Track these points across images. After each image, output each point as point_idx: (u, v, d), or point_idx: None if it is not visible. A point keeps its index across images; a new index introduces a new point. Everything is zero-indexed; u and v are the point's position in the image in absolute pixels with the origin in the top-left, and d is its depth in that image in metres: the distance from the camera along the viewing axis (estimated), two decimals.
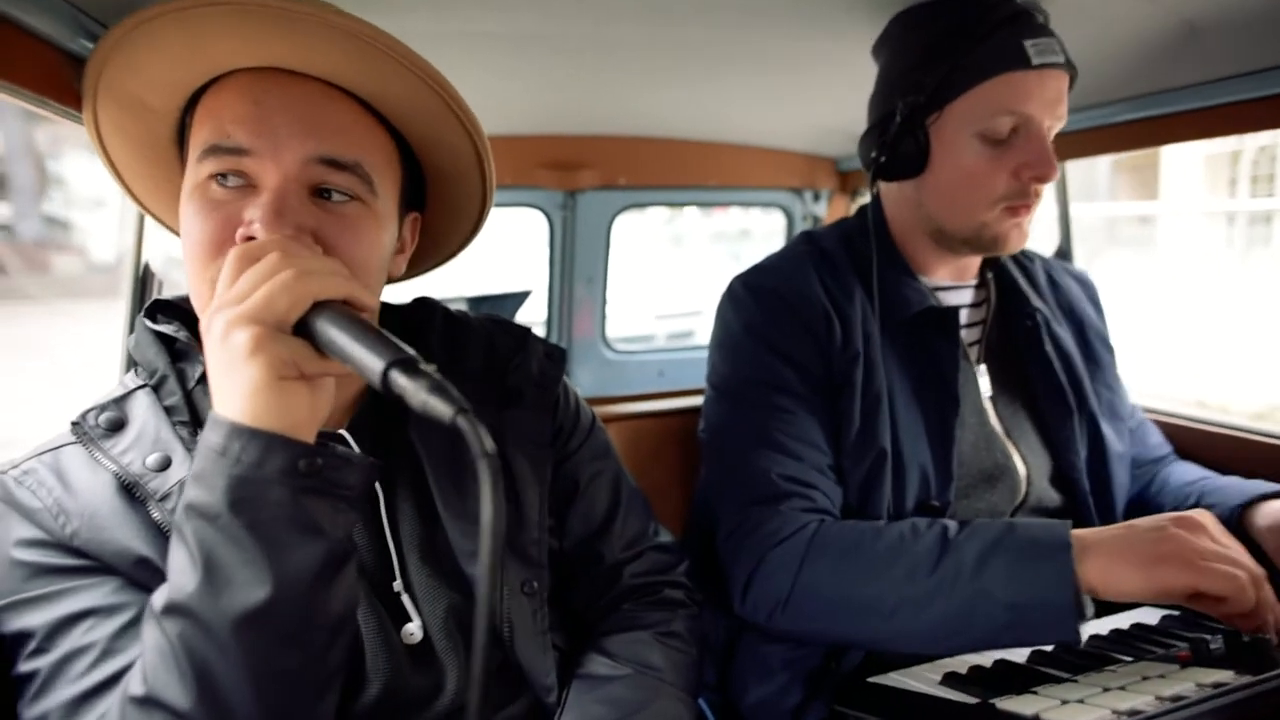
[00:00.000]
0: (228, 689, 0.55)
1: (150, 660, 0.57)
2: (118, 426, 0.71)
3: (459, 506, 0.78)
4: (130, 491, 0.68)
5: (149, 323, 0.78)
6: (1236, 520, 1.03)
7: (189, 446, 0.71)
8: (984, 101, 0.97)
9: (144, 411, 0.73)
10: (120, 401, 0.73)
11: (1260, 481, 1.09)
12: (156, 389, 0.75)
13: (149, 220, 1.08)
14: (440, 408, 0.48)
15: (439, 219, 0.86)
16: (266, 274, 0.57)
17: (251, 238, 0.64)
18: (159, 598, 0.58)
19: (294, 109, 0.67)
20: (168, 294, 0.85)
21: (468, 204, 0.85)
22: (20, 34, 0.72)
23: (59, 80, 0.77)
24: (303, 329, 0.57)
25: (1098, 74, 1.16)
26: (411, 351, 0.52)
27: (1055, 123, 0.99)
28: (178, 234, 0.84)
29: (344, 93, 0.70)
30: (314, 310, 0.57)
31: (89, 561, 0.66)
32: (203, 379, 0.77)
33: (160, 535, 0.67)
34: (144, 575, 0.66)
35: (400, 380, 0.50)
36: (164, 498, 0.67)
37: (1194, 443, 1.33)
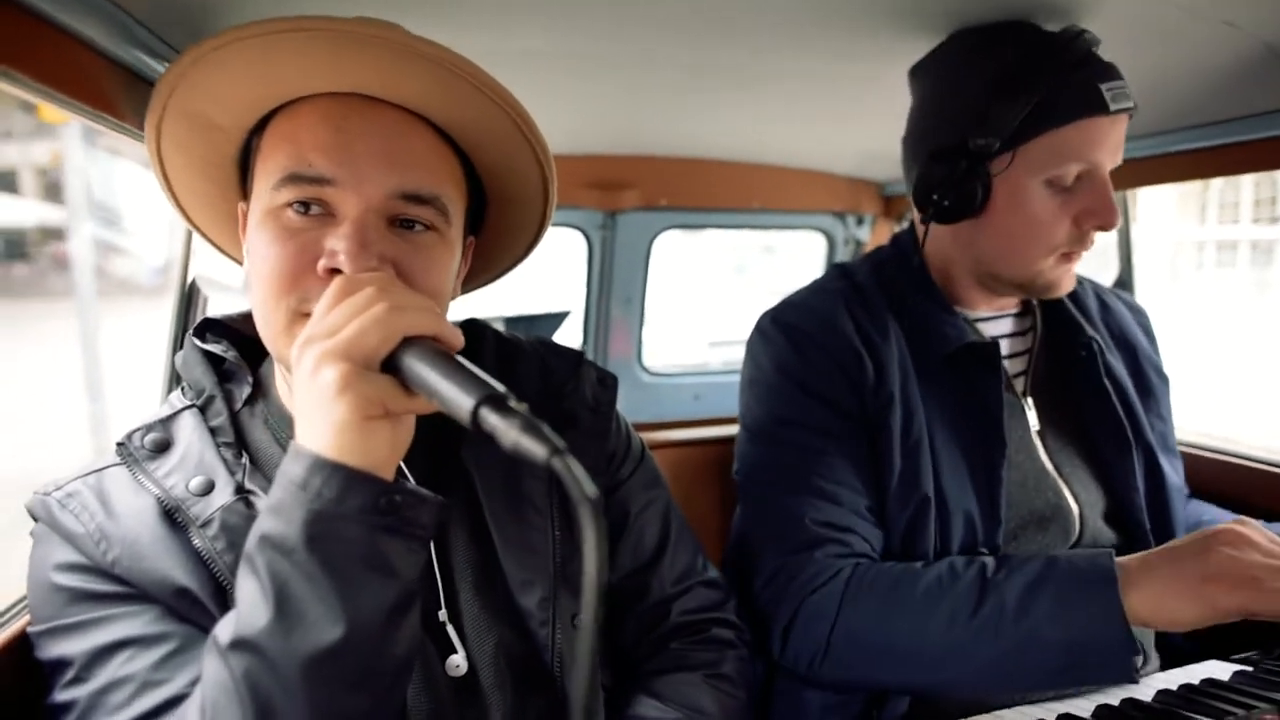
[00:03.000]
0: None
1: (211, 696, 0.55)
2: (163, 448, 0.71)
3: (515, 535, 0.77)
4: (172, 517, 0.67)
5: (198, 342, 0.78)
6: None
7: (232, 470, 0.70)
8: (1058, 147, 0.92)
9: (189, 433, 0.72)
10: (166, 422, 0.73)
11: None
12: (203, 409, 0.74)
13: (196, 238, 1.09)
14: (534, 448, 0.47)
15: (493, 241, 0.86)
16: (360, 308, 0.56)
17: (334, 269, 0.63)
18: (224, 630, 0.56)
19: (377, 138, 0.67)
20: (212, 312, 0.85)
21: (525, 227, 0.84)
22: (84, 50, 0.73)
23: (118, 96, 0.77)
24: (391, 365, 0.56)
25: (1169, 100, 1.13)
26: (502, 388, 0.51)
27: (1114, 165, 0.96)
28: (228, 254, 0.84)
29: (422, 120, 0.70)
30: (403, 346, 0.56)
31: (129, 589, 0.65)
32: (250, 400, 0.76)
33: (200, 564, 0.66)
34: (184, 606, 0.65)
35: (491, 418, 0.49)
36: (205, 524, 0.66)
37: (1215, 476, 1.27)
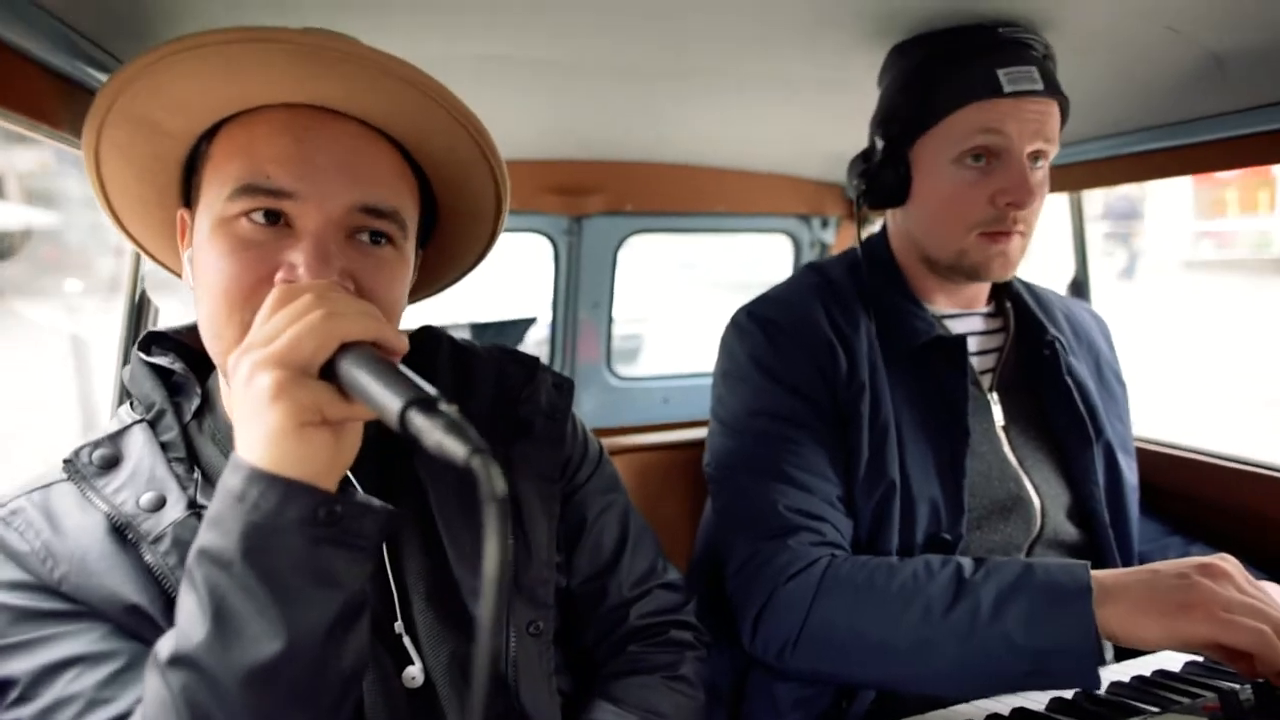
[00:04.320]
0: None
1: (151, 713, 0.54)
2: (111, 464, 0.69)
3: (467, 545, 0.76)
4: (122, 533, 0.65)
5: (144, 356, 0.76)
6: None
7: (184, 485, 0.68)
8: (957, 129, 0.98)
9: (139, 448, 0.71)
10: (115, 438, 0.71)
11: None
12: (153, 424, 0.73)
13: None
14: (455, 448, 0.46)
15: (443, 253, 0.85)
16: (296, 316, 0.55)
17: (291, 283, 0.62)
18: (164, 646, 0.55)
19: (338, 152, 0.66)
20: (162, 324, 0.84)
21: (476, 241, 0.84)
22: (15, 56, 0.71)
23: (51, 103, 0.76)
24: (329, 372, 0.55)
25: (1117, 103, 1.15)
26: (433, 391, 0.50)
27: (1045, 147, 0.99)
28: (162, 263, 0.82)
29: (380, 134, 0.69)
30: (340, 352, 0.55)
31: (76, 606, 0.64)
32: (198, 414, 0.75)
33: (152, 580, 0.65)
34: (133, 622, 0.64)
35: (417, 420, 0.48)
36: (156, 539, 0.65)
37: (1167, 470, 1.30)
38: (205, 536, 0.55)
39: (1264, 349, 6.49)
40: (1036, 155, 0.98)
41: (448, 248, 0.84)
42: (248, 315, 0.63)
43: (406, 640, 0.73)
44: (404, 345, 0.58)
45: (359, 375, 0.53)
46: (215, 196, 0.66)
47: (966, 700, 0.90)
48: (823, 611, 0.91)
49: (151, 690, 0.55)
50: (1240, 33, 0.95)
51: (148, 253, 0.82)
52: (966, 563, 0.89)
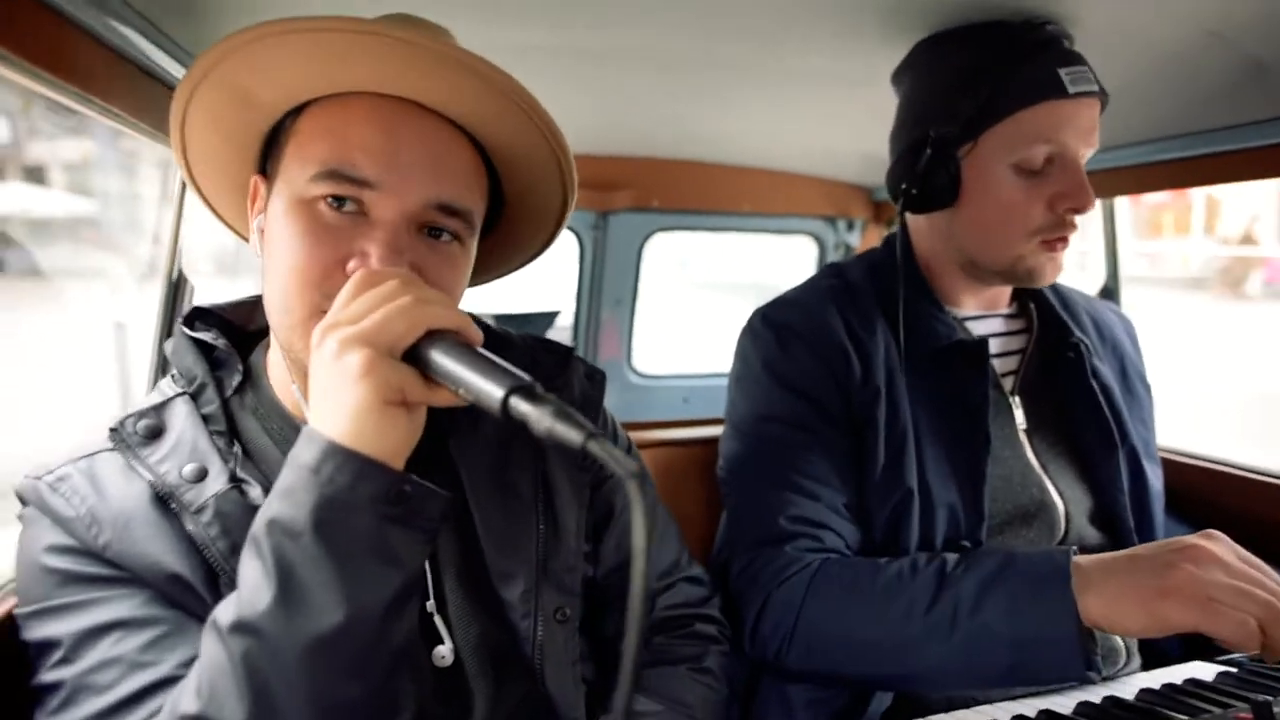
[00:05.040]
0: (287, 714, 0.54)
1: (208, 677, 0.55)
2: (155, 434, 0.70)
3: (499, 528, 0.77)
4: (165, 503, 0.66)
5: (187, 330, 0.77)
6: None
7: (225, 457, 0.69)
8: (1020, 131, 0.95)
9: (181, 420, 0.72)
10: (159, 409, 0.72)
11: None
12: (194, 397, 0.74)
13: (184, 227, 1.09)
14: (568, 434, 0.48)
15: (502, 246, 0.86)
16: (384, 299, 0.57)
17: None
18: (225, 612, 0.56)
19: (423, 147, 0.67)
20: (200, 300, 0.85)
21: (534, 239, 0.85)
22: (97, 46, 0.74)
23: (126, 91, 0.78)
24: (413, 357, 0.57)
25: (1154, 108, 1.14)
26: (529, 378, 0.52)
27: (1089, 151, 0.97)
28: (228, 223, 0.84)
29: (462, 133, 0.70)
30: (426, 339, 0.57)
31: (119, 572, 0.65)
32: (240, 389, 0.76)
33: (193, 549, 0.66)
34: (174, 590, 0.65)
35: (522, 406, 0.50)
36: (198, 510, 0.66)
37: (1192, 482, 1.28)
38: (276, 506, 0.56)
39: (1184, 355, 6.87)
40: (1084, 158, 0.97)
41: (508, 242, 0.85)
42: (317, 296, 0.65)
43: (438, 620, 0.74)
44: (480, 336, 0.59)
45: (450, 362, 0.55)
46: (297, 174, 0.67)
47: (990, 700, 0.90)
48: (811, 612, 0.91)
49: (209, 654, 0.55)
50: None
51: (215, 211, 0.83)
52: (951, 557, 0.89)
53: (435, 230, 0.69)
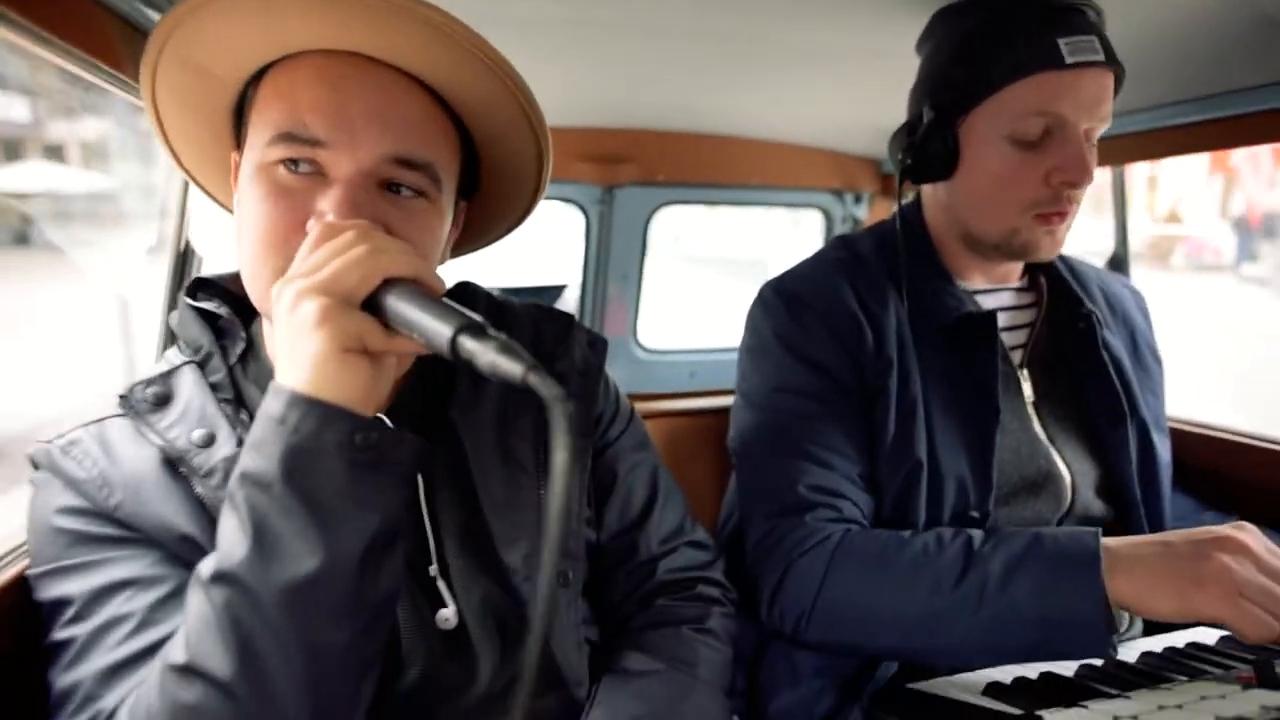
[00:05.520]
0: (271, 661, 0.55)
1: (193, 628, 0.56)
2: (164, 401, 0.72)
3: (501, 494, 0.78)
4: (174, 467, 0.68)
5: (190, 300, 0.78)
6: None
7: (233, 424, 0.71)
8: (1014, 102, 0.93)
9: (189, 388, 0.73)
10: (167, 377, 0.74)
11: None
12: (201, 366, 0.75)
13: (191, 199, 1.09)
14: (509, 366, 0.49)
15: (487, 207, 0.86)
16: (341, 249, 0.57)
17: None
18: (206, 565, 0.57)
19: (371, 100, 0.66)
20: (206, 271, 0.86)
21: (519, 196, 0.84)
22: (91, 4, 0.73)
23: (113, 44, 0.77)
24: (371, 307, 0.57)
25: (1166, 72, 1.12)
26: (479, 319, 0.53)
27: (1097, 124, 0.95)
28: (221, 203, 0.84)
29: (418, 84, 0.69)
30: (384, 287, 0.57)
31: (130, 533, 0.66)
32: (244, 357, 0.77)
33: (203, 511, 0.67)
34: (185, 550, 0.66)
35: (468, 344, 0.51)
36: (208, 474, 0.67)
37: (1203, 452, 1.28)
38: (246, 459, 0.57)
39: None
40: (1089, 131, 0.95)
41: (493, 202, 0.85)
42: (281, 260, 0.65)
43: (441, 584, 0.75)
44: (443, 286, 0.60)
45: (405, 307, 0.55)
46: (257, 142, 0.68)
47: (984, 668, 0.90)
48: (835, 585, 0.91)
49: (194, 607, 0.57)
50: None
51: (208, 192, 0.84)
52: (977, 534, 0.89)
53: (396, 186, 0.68)
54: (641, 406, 1.65)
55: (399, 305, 0.56)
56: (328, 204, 0.64)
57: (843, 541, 0.93)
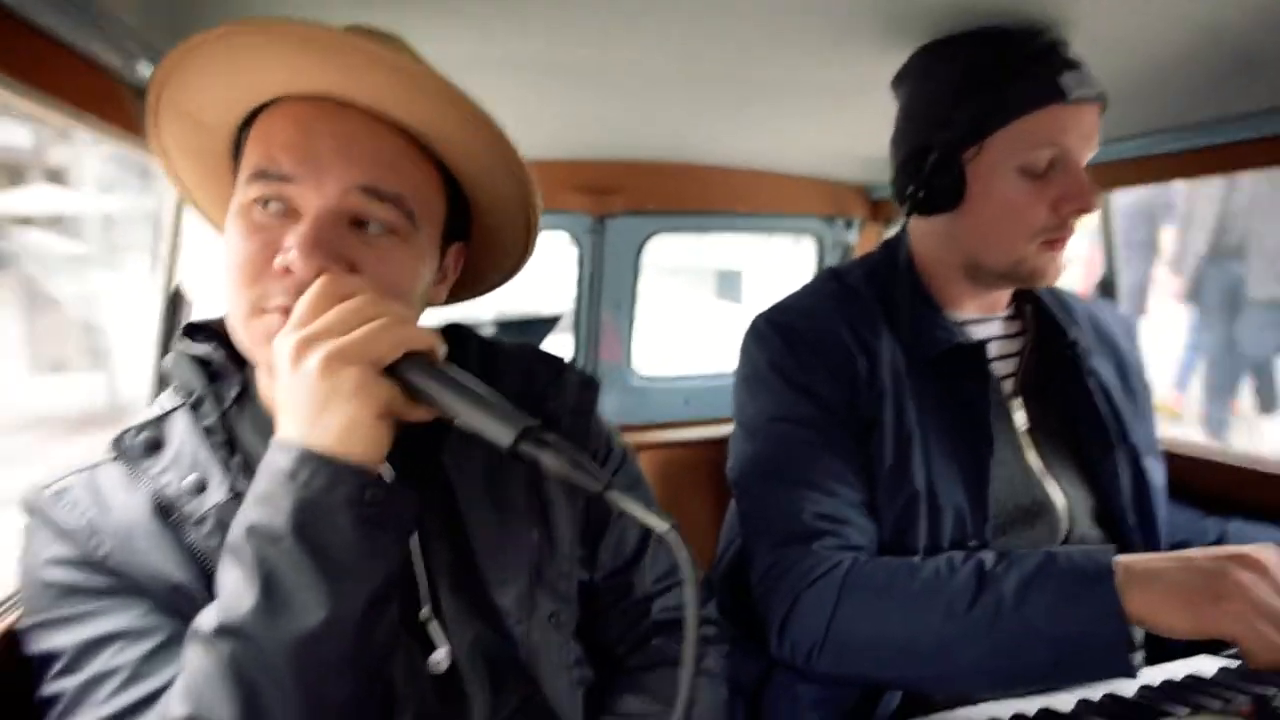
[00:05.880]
0: (276, 714, 0.55)
1: (195, 682, 0.56)
2: (156, 446, 0.71)
3: (494, 536, 0.78)
4: (166, 514, 0.67)
5: (186, 343, 0.78)
6: None
7: (225, 468, 0.70)
8: (1024, 136, 0.95)
9: (181, 432, 0.73)
10: (159, 422, 0.73)
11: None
12: (194, 409, 0.75)
13: (181, 242, 1.10)
14: (587, 481, 0.57)
15: (483, 250, 0.86)
16: (362, 315, 0.59)
17: (289, 269, 0.65)
18: (208, 619, 0.57)
19: (338, 137, 0.67)
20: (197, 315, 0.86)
21: (511, 239, 0.84)
22: (83, 64, 0.74)
23: (122, 107, 0.78)
24: (390, 373, 0.60)
25: (1148, 103, 1.14)
26: (529, 419, 0.58)
27: (1090, 153, 0.98)
28: None
29: (393, 126, 0.70)
30: (405, 358, 0.60)
31: (120, 582, 0.65)
32: (238, 400, 0.77)
33: (194, 560, 0.66)
34: (175, 600, 0.65)
35: (534, 452, 0.57)
36: (199, 521, 0.67)
37: (1196, 475, 1.29)
38: (254, 513, 0.57)
39: None
40: (1085, 160, 0.98)
41: (486, 247, 0.85)
42: (252, 295, 0.66)
43: (433, 626, 0.75)
44: (444, 353, 0.62)
45: (439, 390, 0.59)
46: (239, 184, 0.69)
47: (996, 698, 0.90)
48: (846, 614, 0.91)
49: (195, 663, 0.56)
50: (1272, 31, 0.94)
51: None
52: (988, 556, 0.88)
53: (367, 223, 0.68)
54: (637, 437, 1.66)
55: (430, 386, 0.59)
56: (294, 238, 0.65)
57: (852, 569, 0.92)
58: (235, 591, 0.56)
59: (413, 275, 0.72)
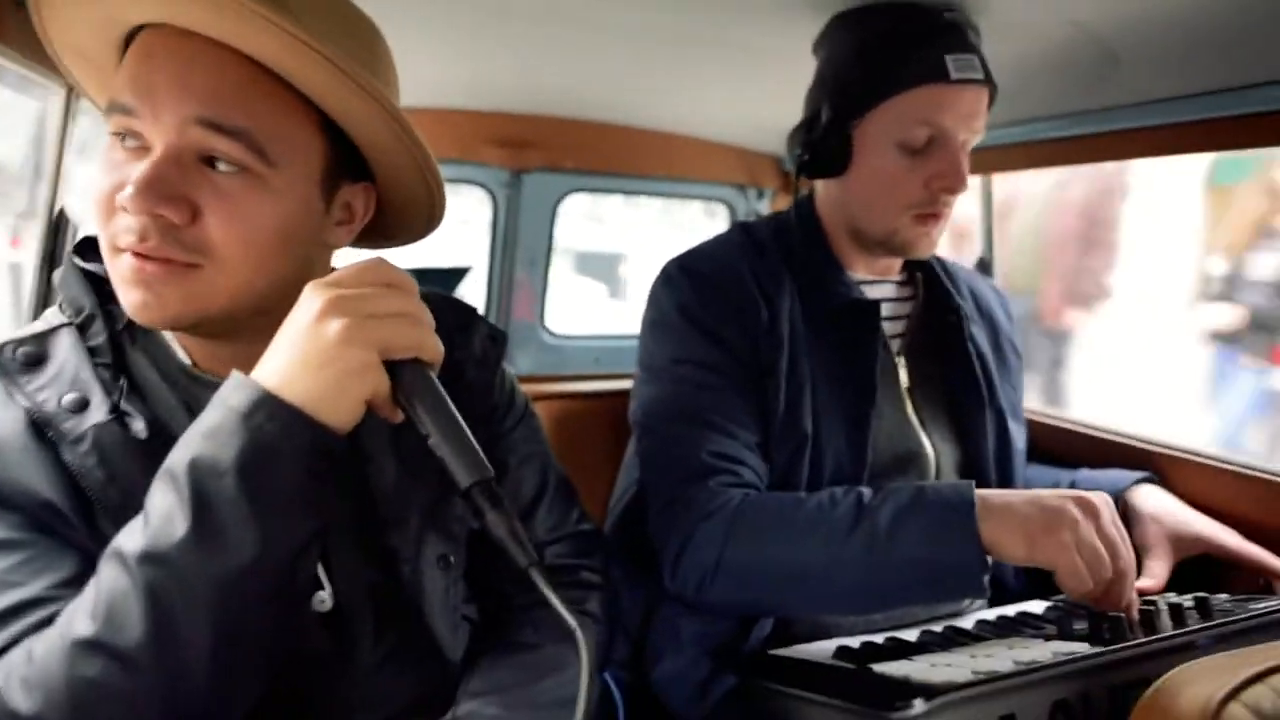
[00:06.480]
0: (187, 643, 0.56)
1: (108, 601, 0.56)
2: (36, 362, 0.69)
3: (389, 479, 0.80)
4: (42, 431, 0.66)
5: (79, 260, 0.76)
6: (1122, 503, 1.12)
7: (109, 389, 0.69)
8: (904, 111, 1.01)
9: (65, 350, 0.71)
10: (41, 337, 0.71)
11: (1123, 472, 1.19)
12: (81, 329, 0.72)
13: (66, 163, 1.06)
14: (518, 553, 0.59)
15: (391, 195, 0.81)
16: (399, 305, 0.60)
17: (124, 208, 0.63)
18: (131, 541, 0.57)
19: (174, 67, 0.64)
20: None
21: (408, 180, 0.79)
22: None
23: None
24: (389, 365, 0.60)
25: (1025, 92, 1.22)
26: (490, 470, 0.60)
27: (971, 136, 1.04)
28: None
29: (240, 56, 0.66)
30: (408, 362, 0.61)
31: None
32: (130, 325, 0.74)
33: (68, 477, 0.66)
34: (46, 516, 0.65)
35: (482, 503, 0.60)
36: (76, 440, 0.66)
37: (1052, 440, 1.41)
38: (199, 445, 0.57)
39: None
40: (965, 142, 1.04)
41: (391, 187, 0.80)
42: (109, 232, 0.65)
43: (320, 569, 0.75)
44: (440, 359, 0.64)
45: (430, 405, 0.61)
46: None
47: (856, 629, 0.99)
48: (736, 545, 0.96)
49: (110, 580, 0.56)
50: (1136, 31, 1.02)
51: None
52: (866, 491, 0.96)
53: (219, 162, 0.65)
54: (539, 388, 1.68)
55: (423, 396, 0.61)
56: (133, 175, 0.63)
57: (742, 503, 0.98)
58: (166, 516, 0.56)
59: (270, 216, 0.67)
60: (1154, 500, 1.12)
